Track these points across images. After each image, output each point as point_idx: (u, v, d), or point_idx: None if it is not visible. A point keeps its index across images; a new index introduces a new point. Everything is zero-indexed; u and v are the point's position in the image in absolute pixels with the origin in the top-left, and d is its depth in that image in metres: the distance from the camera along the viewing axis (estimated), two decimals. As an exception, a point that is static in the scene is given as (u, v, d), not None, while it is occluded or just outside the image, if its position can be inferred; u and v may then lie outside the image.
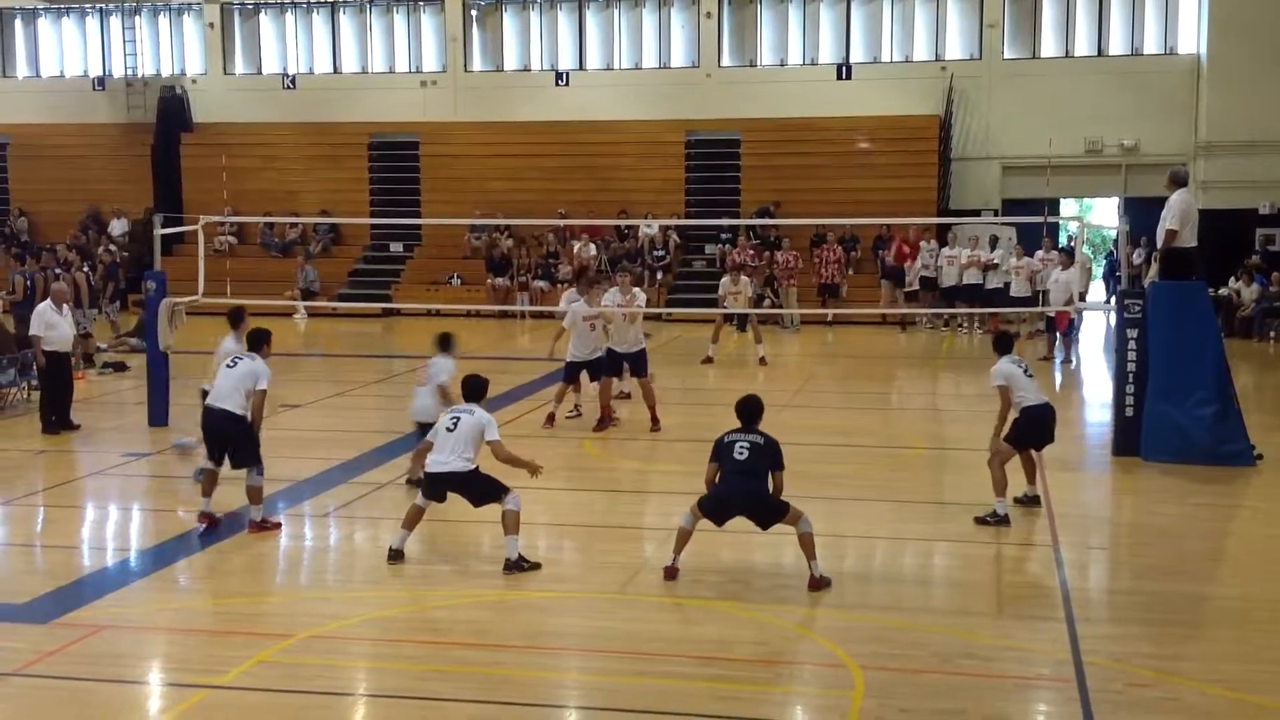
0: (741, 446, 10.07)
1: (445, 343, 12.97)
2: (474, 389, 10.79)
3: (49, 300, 16.57)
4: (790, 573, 10.55)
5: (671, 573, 10.04)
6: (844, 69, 32.48)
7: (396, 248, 33.85)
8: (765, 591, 9.78)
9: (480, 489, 10.49)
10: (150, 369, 16.51)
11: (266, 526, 11.27)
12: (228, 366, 11.41)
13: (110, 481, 13.68)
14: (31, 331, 16.30)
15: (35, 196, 35.73)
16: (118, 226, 34.11)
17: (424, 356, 14.25)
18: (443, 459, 10.33)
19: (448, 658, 8.44)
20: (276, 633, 8.74)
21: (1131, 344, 14.44)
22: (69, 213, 34.50)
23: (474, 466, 10.37)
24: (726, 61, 33.37)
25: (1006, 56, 31.88)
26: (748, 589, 9.83)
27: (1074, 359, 22.99)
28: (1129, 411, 14.43)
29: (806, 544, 9.83)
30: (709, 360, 21.89)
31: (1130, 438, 14.38)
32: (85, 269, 25.20)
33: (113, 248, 31.91)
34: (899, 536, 11.49)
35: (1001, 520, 11.43)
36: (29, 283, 21.81)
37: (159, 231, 17.17)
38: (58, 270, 22.83)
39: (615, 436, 15.76)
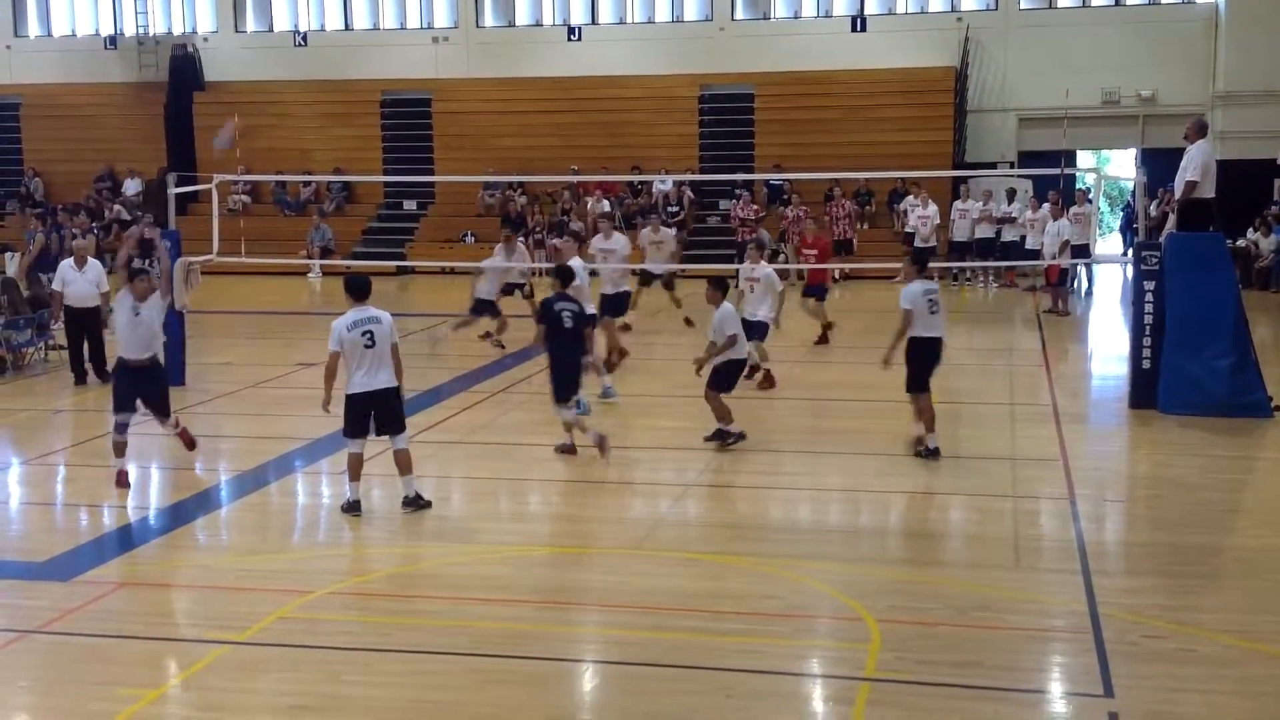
0: (567, 315, 11.46)
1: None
2: (362, 288, 10.23)
3: (71, 258, 17.01)
4: (806, 527, 10.60)
5: (570, 450, 11.91)
6: (859, 21, 32.18)
7: (410, 205, 33.75)
8: (781, 546, 9.79)
9: (399, 411, 10.35)
10: (167, 328, 16.51)
11: None
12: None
13: (128, 439, 13.72)
14: (54, 287, 16.85)
15: (49, 157, 35.67)
16: (131, 186, 34.09)
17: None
18: (369, 378, 10.11)
19: (465, 613, 8.47)
20: (295, 589, 8.79)
21: (1149, 296, 14.37)
22: (82, 172, 34.48)
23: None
24: (740, 14, 33.08)
25: (1023, 7, 31.54)
26: (763, 544, 9.85)
27: (1069, 310, 22.87)
28: (1146, 364, 14.38)
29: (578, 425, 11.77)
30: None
31: (1147, 390, 14.33)
32: (94, 229, 25.25)
33: (118, 206, 31.89)
34: (914, 490, 11.49)
35: (933, 453, 12.09)
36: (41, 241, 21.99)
37: (173, 191, 17.19)
38: (64, 230, 23.04)
39: (628, 393, 15.73)
